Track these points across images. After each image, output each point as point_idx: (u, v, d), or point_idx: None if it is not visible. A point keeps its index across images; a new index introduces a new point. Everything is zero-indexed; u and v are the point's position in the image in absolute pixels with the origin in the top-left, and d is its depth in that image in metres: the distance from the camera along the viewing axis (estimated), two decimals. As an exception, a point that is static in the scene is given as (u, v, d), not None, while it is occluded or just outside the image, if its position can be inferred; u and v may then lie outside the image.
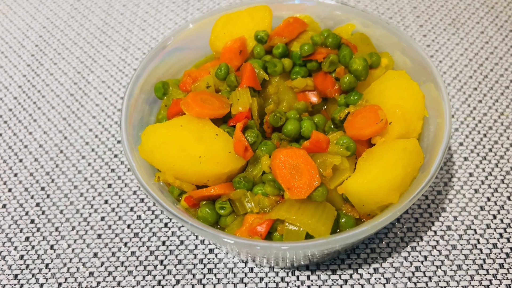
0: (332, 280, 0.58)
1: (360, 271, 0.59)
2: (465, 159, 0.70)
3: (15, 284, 0.60)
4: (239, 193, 0.51)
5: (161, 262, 0.61)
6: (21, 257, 0.63)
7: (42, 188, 0.70)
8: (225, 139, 0.52)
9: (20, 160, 0.73)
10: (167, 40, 0.65)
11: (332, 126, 0.58)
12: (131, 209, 0.67)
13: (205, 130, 0.53)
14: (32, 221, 0.66)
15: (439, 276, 0.58)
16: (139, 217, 0.66)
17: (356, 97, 0.56)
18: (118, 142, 0.74)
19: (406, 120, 0.52)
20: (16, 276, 0.61)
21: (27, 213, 0.67)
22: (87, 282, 0.60)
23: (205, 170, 0.51)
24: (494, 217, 0.64)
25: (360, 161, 0.50)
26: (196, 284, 0.59)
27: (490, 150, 0.70)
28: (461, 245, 0.61)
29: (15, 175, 0.71)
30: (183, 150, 0.51)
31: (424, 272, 0.59)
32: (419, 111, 0.54)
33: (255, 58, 0.62)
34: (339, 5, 0.68)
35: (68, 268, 0.61)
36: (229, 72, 0.59)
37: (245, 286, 0.58)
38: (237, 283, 0.59)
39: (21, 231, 0.65)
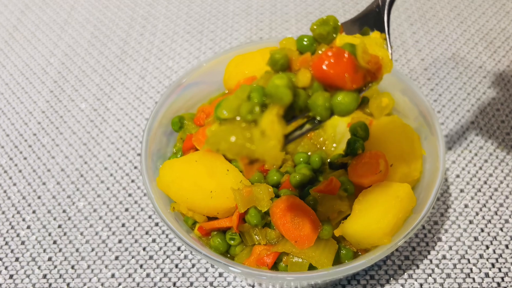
0: (333, 305, 0.63)
1: (359, 297, 0.63)
2: (461, 190, 0.74)
3: (39, 302, 0.65)
4: (247, 227, 0.56)
5: (174, 284, 0.66)
6: (44, 276, 0.68)
7: (64, 211, 0.75)
8: (234, 175, 0.57)
9: (44, 183, 0.78)
10: (183, 77, 0.71)
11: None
12: (147, 232, 0.72)
13: (217, 166, 0.58)
14: (55, 242, 0.71)
15: (433, 304, 0.63)
16: (154, 240, 0.71)
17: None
18: (135, 167, 0.80)
19: (406, 161, 0.57)
20: (39, 294, 0.66)
21: (49, 234, 0.72)
22: (106, 301, 0.65)
23: (215, 204, 0.56)
24: (487, 247, 0.68)
25: (356, 204, 0.55)
26: (206, 306, 0.63)
27: (485, 182, 0.75)
28: (455, 273, 0.65)
29: (39, 197, 0.77)
30: (196, 185, 0.56)
31: (419, 299, 0.63)
32: (417, 151, 0.59)
33: (264, 95, 0.67)
34: (343, 45, 0.73)
35: (88, 288, 0.66)
36: (240, 109, 0.64)
37: (252, 308, 0.63)
38: (245, 305, 0.63)
39: (44, 251, 0.70)
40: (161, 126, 0.67)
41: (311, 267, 0.53)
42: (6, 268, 0.69)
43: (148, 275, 0.67)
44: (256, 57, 0.69)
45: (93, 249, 0.70)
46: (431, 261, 0.67)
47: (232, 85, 0.68)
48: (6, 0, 1.12)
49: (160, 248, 0.70)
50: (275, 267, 0.55)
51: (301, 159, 0.62)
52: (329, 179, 0.55)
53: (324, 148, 0.65)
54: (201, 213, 0.57)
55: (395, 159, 0.57)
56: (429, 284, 0.64)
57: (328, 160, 0.63)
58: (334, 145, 0.66)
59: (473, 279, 0.65)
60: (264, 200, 0.54)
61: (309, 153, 0.64)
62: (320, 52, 0.43)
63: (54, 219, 0.74)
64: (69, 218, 0.74)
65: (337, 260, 0.55)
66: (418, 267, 0.66)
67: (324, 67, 0.41)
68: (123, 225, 0.72)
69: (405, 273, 0.66)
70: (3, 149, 0.83)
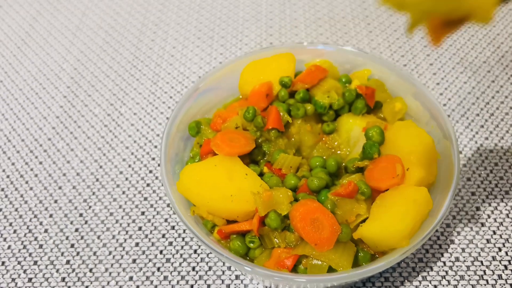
0: (349, 306, 0.64)
1: (374, 298, 0.64)
2: (473, 193, 0.75)
3: (58, 305, 0.66)
4: (267, 230, 0.57)
5: (192, 286, 0.67)
6: (63, 279, 0.69)
7: (81, 215, 0.76)
8: (253, 179, 0.58)
9: (60, 188, 0.79)
10: (199, 83, 0.72)
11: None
12: (163, 235, 0.73)
13: (236, 170, 0.59)
14: (72, 246, 0.72)
15: (448, 305, 0.63)
16: (170, 243, 0.72)
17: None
18: (150, 171, 0.81)
19: (422, 165, 0.58)
20: (58, 297, 0.67)
21: (67, 238, 0.73)
22: (124, 304, 0.66)
23: (235, 208, 0.57)
24: (500, 249, 0.69)
25: (374, 207, 0.56)
26: (224, 308, 0.64)
27: (496, 185, 0.76)
28: (469, 276, 0.66)
29: (55, 201, 0.78)
30: (216, 189, 0.57)
31: (434, 301, 0.64)
32: (432, 155, 0.60)
33: (279, 101, 0.68)
34: (356, 51, 0.75)
35: (106, 291, 0.67)
36: (256, 114, 0.65)
37: (269, 311, 0.64)
38: (262, 308, 0.64)
39: (62, 254, 0.71)
40: (179, 131, 0.69)
41: (330, 270, 0.54)
42: (25, 271, 0.70)
43: (165, 278, 0.68)
44: (271, 63, 0.70)
45: (110, 253, 0.71)
46: (444, 263, 0.68)
47: (247, 90, 0.69)
48: (18, 7, 1.13)
49: (177, 251, 0.71)
50: (294, 269, 0.56)
51: (317, 163, 0.63)
52: (348, 183, 0.56)
53: (339, 152, 0.66)
54: (221, 216, 0.58)
55: (410, 163, 0.58)
56: (443, 286, 0.65)
57: (344, 164, 0.64)
58: (349, 149, 0.67)
59: (487, 281, 0.66)
60: (284, 204, 0.55)
61: (324, 157, 0.65)
62: None
63: (71, 223, 0.75)
64: (86, 222, 0.75)
65: (355, 263, 0.56)
66: (432, 269, 0.67)
67: None
68: (139, 228, 0.73)
69: (419, 275, 0.67)
70: (18, 154, 0.85)
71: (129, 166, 0.82)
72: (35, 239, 0.73)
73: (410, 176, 0.57)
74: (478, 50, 0.96)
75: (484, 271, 0.67)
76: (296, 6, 1.09)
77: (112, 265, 0.70)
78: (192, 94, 0.71)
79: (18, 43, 1.05)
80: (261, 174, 0.63)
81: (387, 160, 0.58)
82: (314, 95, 0.67)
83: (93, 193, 0.78)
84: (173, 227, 0.73)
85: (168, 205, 0.76)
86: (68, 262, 0.70)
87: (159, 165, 0.81)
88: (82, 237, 0.73)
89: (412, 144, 0.59)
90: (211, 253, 0.69)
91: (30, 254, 0.71)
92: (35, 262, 0.71)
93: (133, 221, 0.74)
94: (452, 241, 0.70)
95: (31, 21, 1.10)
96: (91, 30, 1.07)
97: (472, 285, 0.65)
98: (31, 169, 0.82)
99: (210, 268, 0.69)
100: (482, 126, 0.83)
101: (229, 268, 0.68)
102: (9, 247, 0.72)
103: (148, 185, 0.79)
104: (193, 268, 0.69)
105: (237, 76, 0.73)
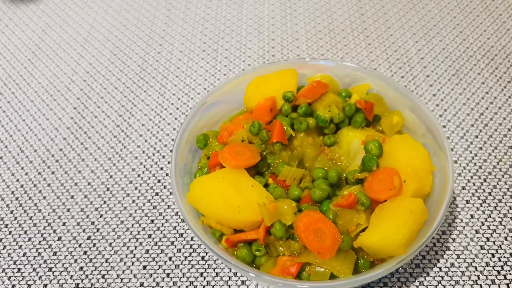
0: (350, 310, 0.67)
1: (374, 303, 0.68)
2: (467, 202, 0.78)
3: (73, 310, 0.69)
4: (272, 239, 0.60)
5: (200, 292, 0.70)
6: (77, 285, 0.72)
7: (92, 223, 0.79)
8: (259, 191, 0.62)
9: (72, 197, 0.83)
10: (206, 97, 0.76)
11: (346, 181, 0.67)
12: (172, 243, 0.76)
13: (242, 182, 0.62)
14: (85, 253, 0.76)
15: (443, 309, 0.67)
16: (179, 250, 0.75)
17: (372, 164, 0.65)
18: (159, 181, 0.84)
19: (418, 177, 0.61)
20: (73, 302, 0.70)
21: (80, 245, 0.77)
22: (136, 309, 0.69)
23: (242, 218, 0.60)
24: (493, 256, 0.72)
25: (373, 217, 0.59)
26: (231, 312, 0.68)
27: (490, 194, 0.79)
28: (463, 281, 0.70)
29: (68, 210, 0.81)
30: (225, 200, 0.61)
31: (430, 305, 0.67)
32: (427, 167, 0.64)
33: (283, 114, 0.72)
34: (355, 66, 0.78)
35: (119, 296, 0.70)
36: (261, 128, 0.69)
37: (274, 315, 0.67)
38: (267, 312, 0.67)
39: (75, 261, 0.75)
40: (187, 143, 0.72)
41: (332, 276, 0.58)
42: (40, 278, 0.73)
43: (175, 283, 0.71)
44: (274, 79, 0.74)
45: (121, 259, 0.74)
46: (440, 269, 0.71)
47: (252, 104, 0.73)
48: (28, 20, 1.17)
49: (185, 258, 0.74)
50: (298, 276, 0.59)
51: (319, 175, 0.66)
52: (348, 194, 0.59)
53: (339, 163, 0.70)
54: (229, 226, 0.62)
55: (407, 175, 0.61)
56: (439, 290, 0.69)
57: (344, 175, 0.67)
58: (349, 160, 0.70)
59: (480, 286, 0.69)
60: (288, 214, 0.58)
61: (325, 168, 0.69)
62: None
63: (84, 231, 0.78)
64: (98, 230, 0.78)
65: (356, 270, 0.59)
66: (428, 274, 0.71)
67: None
68: (149, 236, 0.77)
69: (416, 280, 0.70)
70: (31, 164, 0.88)
71: (138, 175, 0.85)
72: (49, 246, 0.77)
73: (407, 188, 0.61)
74: (473, 62, 1.00)
75: (478, 276, 0.70)
76: (297, 19, 1.13)
77: (123, 271, 0.73)
78: (199, 108, 0.74)
79: (28, 55, 1.08)
80: (266, 185, 0.66)
81: (385, 172, 0.61)
82: (316, 109, 0.71)
83: (104, 202, 0.82)
84: (181, 235, 0.77)
85: (176, 213, 0.79)
86: (81, 268, 0.74)
87: (167, 174, 0.85)
88: (94, 245, 0.76)
89: (409, 158, 0.63)
90: (218, 260, 0.73)
91: (45, 261, 0.75)
92: (50, 269, 0.74)
93: (143, 229, 0.78)
94: (448, 248, 0.73)
95: (40, 34, 1.13)
96: (99, 43, 1.10)
97: (466, 289, 0.69)
98: (44, 179, 0.86)
99: (217, 274, 0.72)
100: (476, 136, 0.87)
101: (235, 274, 0.72)
102: (24, 254, 0.76)
103: (157, 194, 0.82)
104: (201, 274, 0.72)
105: (242, 91, 0.76)
